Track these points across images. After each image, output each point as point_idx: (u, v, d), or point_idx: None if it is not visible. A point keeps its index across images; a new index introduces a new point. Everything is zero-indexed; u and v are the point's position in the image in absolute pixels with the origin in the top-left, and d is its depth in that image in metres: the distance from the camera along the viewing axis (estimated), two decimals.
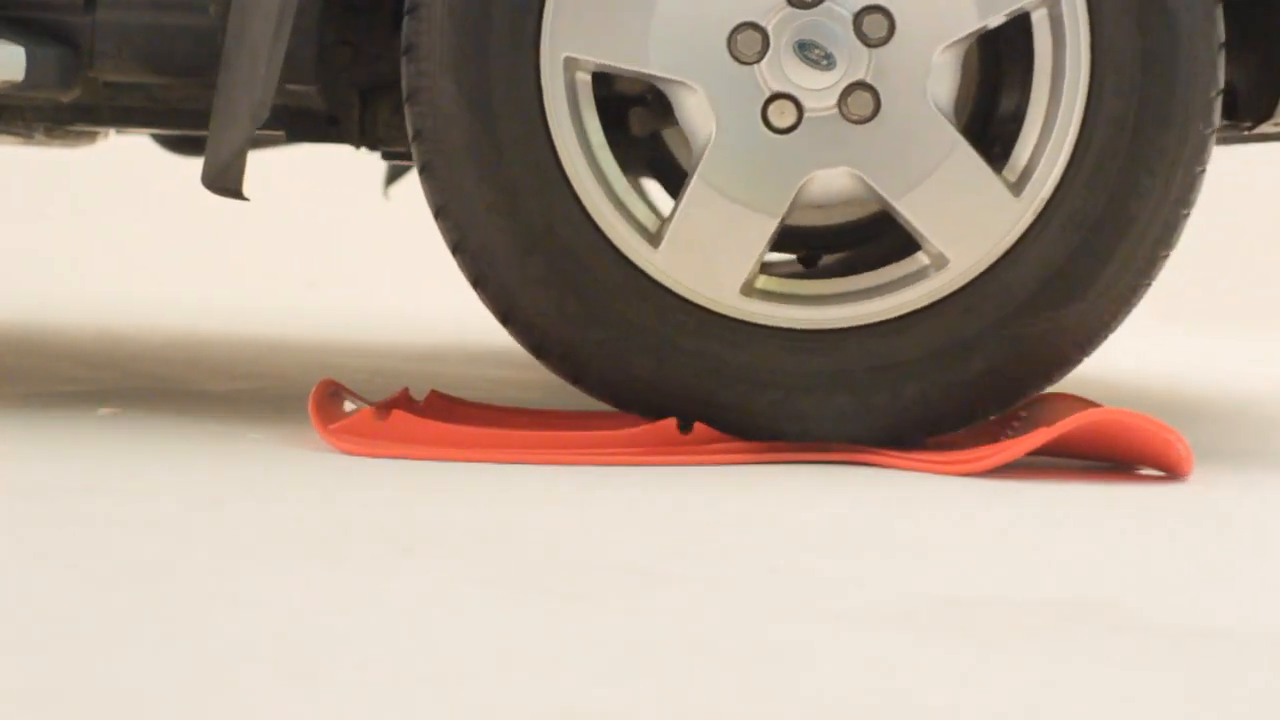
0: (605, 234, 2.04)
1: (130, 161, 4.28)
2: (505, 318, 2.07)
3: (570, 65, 2.03)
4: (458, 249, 2.06)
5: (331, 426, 2.03)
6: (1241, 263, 4.78)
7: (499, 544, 1.64)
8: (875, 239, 2.73)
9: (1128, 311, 2.06)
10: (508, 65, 2.02)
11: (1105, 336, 2.07)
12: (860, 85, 2.00)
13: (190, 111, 2.39)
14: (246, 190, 2.05)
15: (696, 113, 2.03)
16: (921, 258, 2.05)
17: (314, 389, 2.10)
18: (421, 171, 2.05)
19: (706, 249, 2.03)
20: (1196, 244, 2.55)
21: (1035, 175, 2.03)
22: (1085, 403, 2.08)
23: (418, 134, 2.04)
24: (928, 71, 2.01)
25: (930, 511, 1.85)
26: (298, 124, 2.43)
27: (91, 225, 5.13)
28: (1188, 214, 2.05)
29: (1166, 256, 2.06)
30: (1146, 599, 1.52)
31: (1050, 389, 2.12)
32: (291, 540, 1.61)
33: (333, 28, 2.21)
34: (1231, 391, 3.18)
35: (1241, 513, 1.95)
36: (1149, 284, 2.06)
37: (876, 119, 2.01)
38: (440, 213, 2.06)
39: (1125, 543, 1.76)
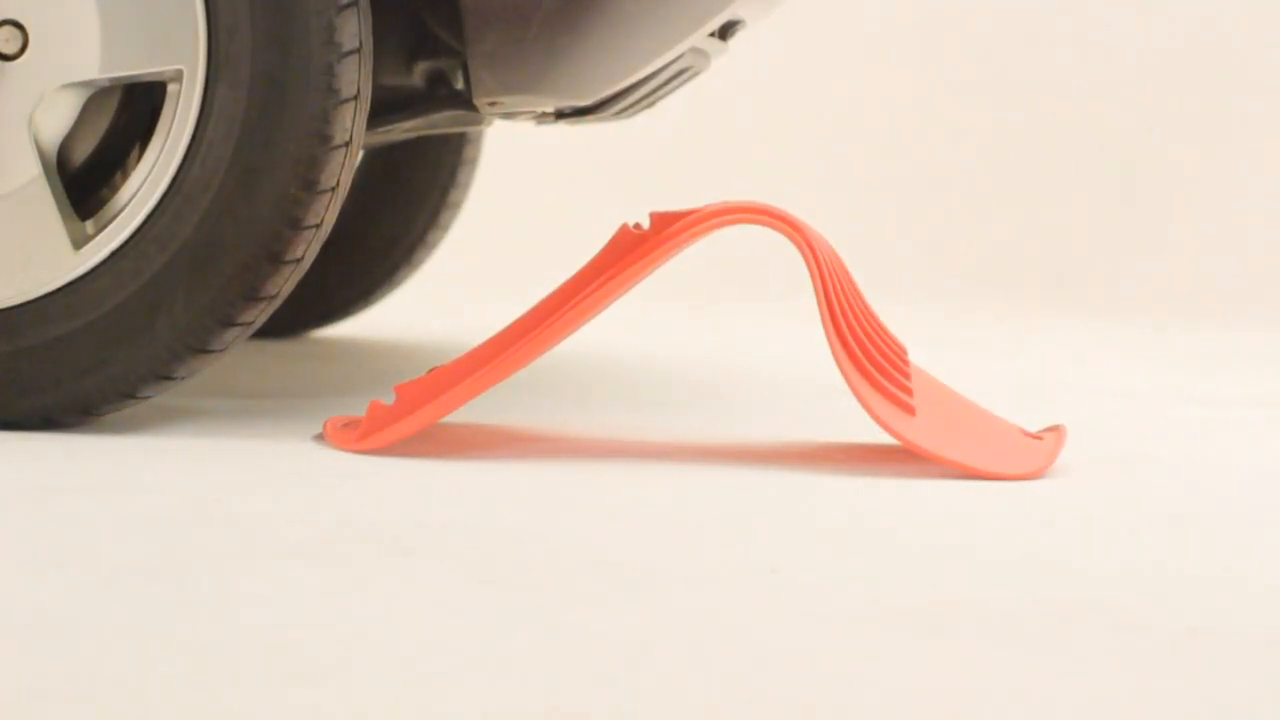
0: None
1: None
2: None
3: None
4: None
5: (355, 436, 2.04)
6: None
7: (498, 544, 1.64)
8: None
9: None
10: None
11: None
12: None
13: None
14: None
15: None
16: None
17: (325, 427, 2.11)
18: None
19: None
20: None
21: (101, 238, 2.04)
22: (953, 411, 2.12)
23: None
24: (39, 99, 2.02)
25: (930, 512, 1.85)
26: None
27: None
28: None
29: None
30: (1146, 599, 1.52)
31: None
32: (291, 540, 1.61)
33: None
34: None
35: (1241, 513, 1.95)
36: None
37: None
38: None
39: (1125, 542, 1.76)
